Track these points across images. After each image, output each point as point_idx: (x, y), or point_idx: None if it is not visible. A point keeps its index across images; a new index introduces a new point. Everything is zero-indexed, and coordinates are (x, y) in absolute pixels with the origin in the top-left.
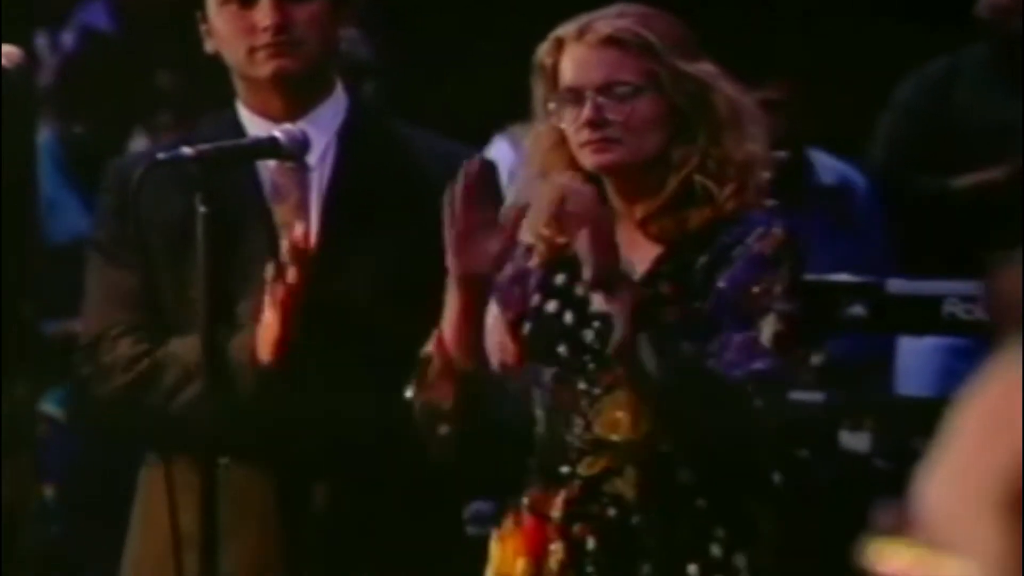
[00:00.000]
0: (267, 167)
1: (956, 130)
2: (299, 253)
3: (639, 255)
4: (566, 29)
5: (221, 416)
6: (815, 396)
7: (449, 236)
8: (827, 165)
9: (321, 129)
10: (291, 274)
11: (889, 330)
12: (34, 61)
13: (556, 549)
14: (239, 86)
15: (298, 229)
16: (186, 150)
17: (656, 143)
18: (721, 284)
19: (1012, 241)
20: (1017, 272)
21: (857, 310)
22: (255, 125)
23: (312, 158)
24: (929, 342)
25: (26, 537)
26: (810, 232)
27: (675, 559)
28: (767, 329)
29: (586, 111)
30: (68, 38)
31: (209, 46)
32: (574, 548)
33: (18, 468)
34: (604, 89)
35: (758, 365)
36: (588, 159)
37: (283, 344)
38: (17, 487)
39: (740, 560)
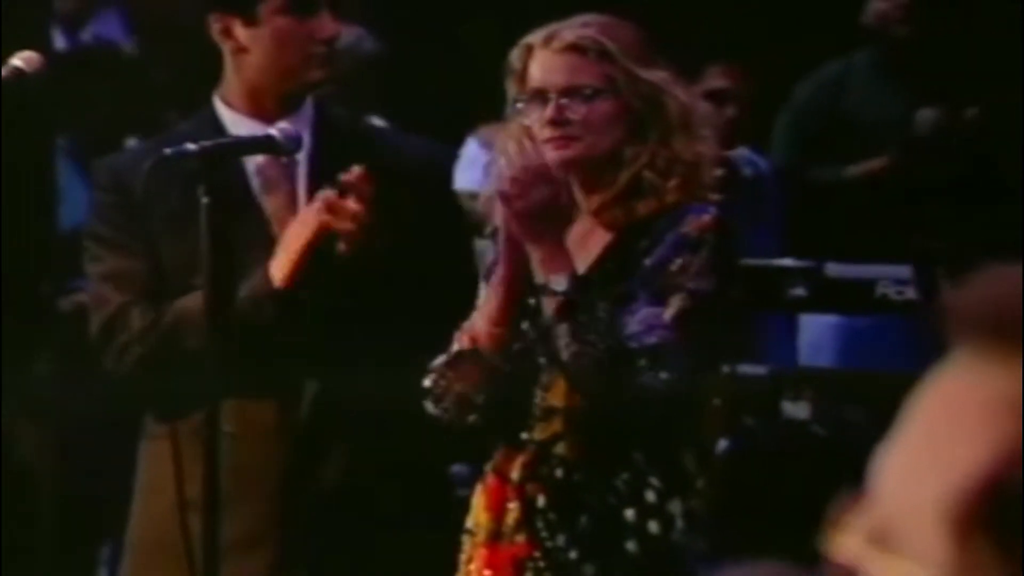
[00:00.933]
0: (254, 161)
1: (848, 125)
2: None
3: (593, 241)
4: (535, 36)
5: (228, 379)
6: (759, 369)
7: (504, 242)
8: (744, 158)
9: (300, 127)
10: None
11: (827, 310)
12: (52, 63)
13: (513, 507)
14: (233, 87)
15: (354, 172)
16: (191, 146)
17: (612, 141)
18: (647, 262)
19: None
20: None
21: (798, 291)
22: (238, 124)
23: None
24: (824, 319)
25: (46, 502)
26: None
27: (613, 507)
28: (673, 306)
29: (549, 110)
30: (81, 42)
31: (230, 47)
32: (527, 506)
33: (39, 436)
34: (566, 91)
35: (653, 338)
36: (550, 154)
37: (297, 270)
38: (39, 454)
39: (675, 506)
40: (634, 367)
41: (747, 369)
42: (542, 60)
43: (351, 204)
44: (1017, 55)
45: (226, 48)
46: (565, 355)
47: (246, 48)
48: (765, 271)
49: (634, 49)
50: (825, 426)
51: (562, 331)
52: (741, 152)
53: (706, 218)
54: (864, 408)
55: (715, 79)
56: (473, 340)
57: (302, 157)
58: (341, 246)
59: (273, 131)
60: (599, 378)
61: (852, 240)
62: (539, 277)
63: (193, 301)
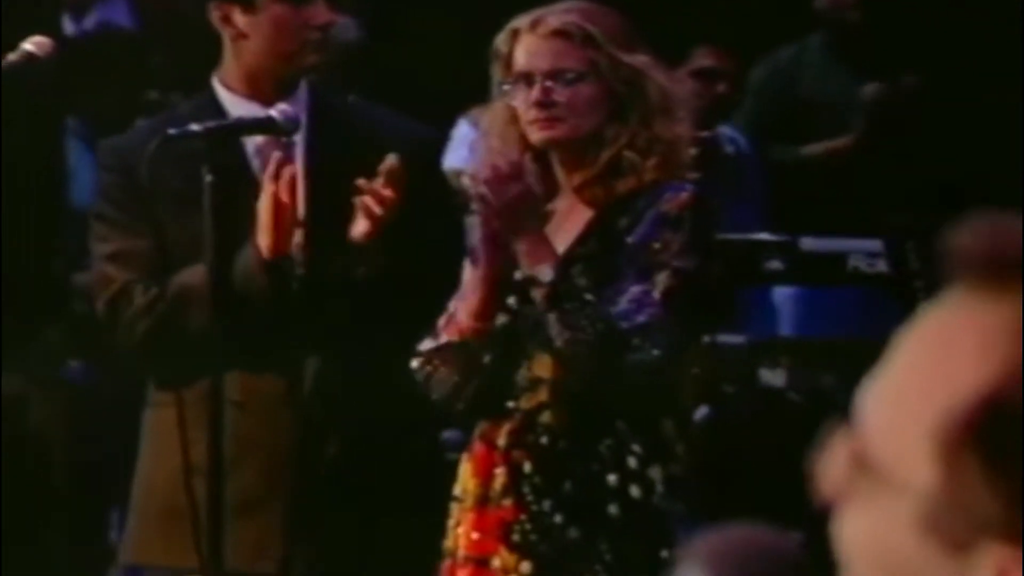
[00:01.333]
0: (254, 142)
1: (803, 106)
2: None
3: (575, 218)
4: (521, 21)
5: (232, 351)
6: (737, 338)
7: (483, 241)
8: (725, 135)
9: (297, 109)
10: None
11: (802, 282)
12: (62, 47)
13: (500, 472)
14: (232, 71)
15: (390, 161)
16: (195, 127)
17: (594, 122)
18: (630, 240)
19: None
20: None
21: (775, 264)
22: (236, 105)
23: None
24: (800, 291)
25: (56, 467)
26: (719, 198)
27: (596, 473)
28: (660, 284)
29: (535, 92)
30: (86, 26)
31: (229, 33)
32: (514, 472)
33: (51, 404)
34: (551, 74)
35: (643, 317)
36: (536, 135)
37: (283, 239)
38: (51, 424)
39: (655, 471)
40: (627, 345)
41: (726, 339)
42: (528, 44)
43: (386, 191)
44: (962, 39)
45: (226, 34)
46: (559, 342)
47: (245, 34)
48: (743, 245)
49: (617, 35)
50: (800, 393)
51: (552, 319)
52: (723, 130)
53: (684, 196)
54: (837, 375)
55: (702, 59)
56: (458, 332)
57: (299, 138)
58: (365, 227)
59: (274, 112)
60: (593, 361)
61: (826, 215)
62: (525, 268)
63: (193, 276)
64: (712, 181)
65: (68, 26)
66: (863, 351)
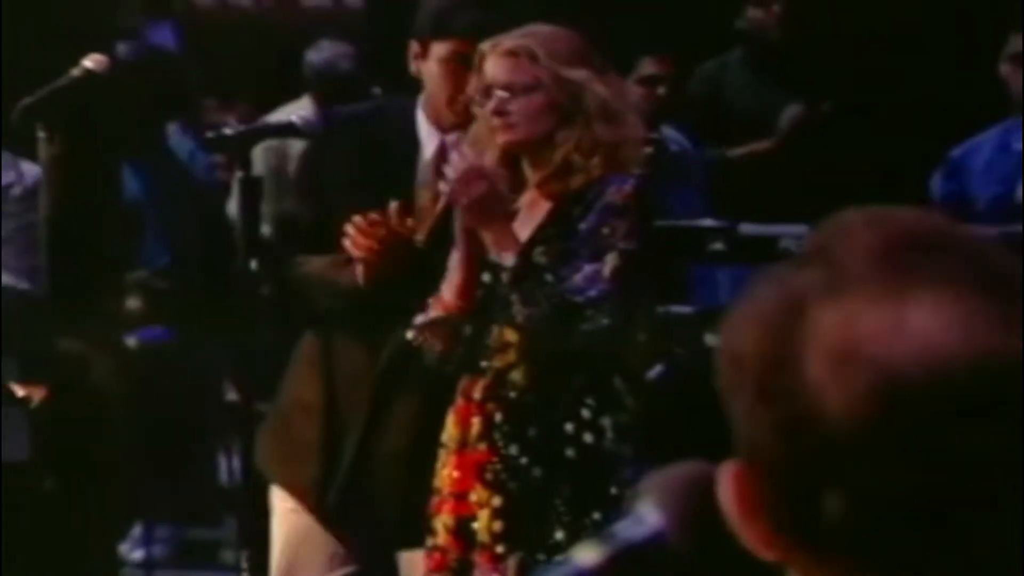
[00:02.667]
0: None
1: (727, 112)
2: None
3: (537, 209)
4: (488, 43)
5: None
6: (686, 308)
7: (459, 232)
8: (671, 136)
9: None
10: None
11: (740, 261)
12: (115, 65)
13: (476, 421)
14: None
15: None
16: (227, 130)
17: (545, 127)
18: (582, 227)
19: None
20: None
21: (717, 247)
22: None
23: None
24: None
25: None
26: (664, 189)
27: (556, 422)
28: (609, 263)
29: (493, 103)
30: (133, 49)
31: None
32: (487, 421)
33: (113, 362)
34: (506, 87)
35: (594, 292)
36: (498, 137)
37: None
38: (112, 380)
39: (606, 421)
40: (581, 316)
41: (677, 309)
42: (489, 63)
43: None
44: (874, 57)
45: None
46: (519, 318)
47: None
48: (690, 230)
49: (561, 53)
50: None
51: (515, 299)
52: (668, 131)
53: (627, 187)
54: None
55: (647, 67)
56: (444, 308)
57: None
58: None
59: (294, 118)
60: (550, 332)
61: (761, 204)
62: (492, 255)
63: (316, 265)
64: (658, 175)
65: (121, 48)
66: None
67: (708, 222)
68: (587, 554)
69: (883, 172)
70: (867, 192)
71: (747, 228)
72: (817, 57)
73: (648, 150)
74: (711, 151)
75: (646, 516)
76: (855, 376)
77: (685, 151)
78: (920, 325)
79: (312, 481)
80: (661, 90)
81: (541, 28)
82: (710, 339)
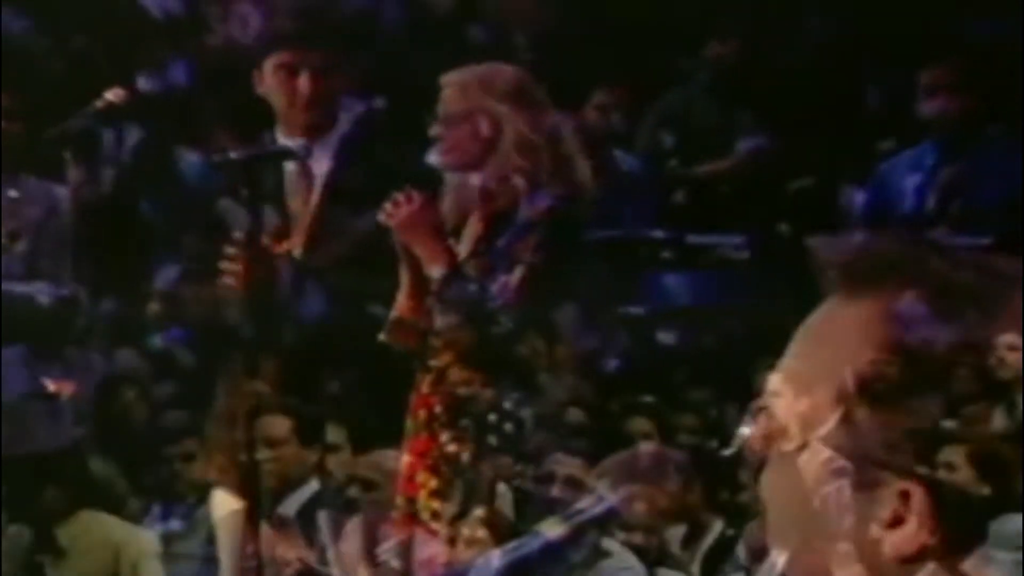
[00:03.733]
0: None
1: (689, 131)
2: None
3: (473, 230)
4: (445, 77)
5: None
6: (640, 308)
7: (399, 246)
8: (621, 157)
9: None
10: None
11: (686, 268)
12: (135, 98)
13: (421, 413)
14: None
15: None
16: (233, 154)
17: (472, 153)
18: (500, 243)
19: None
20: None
21: (666, 254)
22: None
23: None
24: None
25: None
26: (618, 204)
27: (482, 413)
28: (516, 274)
29: (435, 128)
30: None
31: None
32: (430, 412)
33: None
34: (445, 117)
35: (501, 300)
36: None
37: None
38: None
39: (525, 412)
40: (493, 321)
41: (632, 309)
42: (442, 95)
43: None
44: (824, 84)
45: None
46: (440, 324)
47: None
48: (642, 239)
49: (492, 89)
50: (687, 346)
51: (438, 308)
52: (618, 153)
53: (542, 206)
54: (714, 331)
55: (601, 96)
56: (399, 310)
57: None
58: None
59: (291, 143)
60: (470, 332)
61: (704, 217)
62: (425, 269)
63: None
64: (611, 193)
65: (142, 82)
66: (731, 313)
67: (658, 233)
68: (554, 529)
69: (807, 192)
70: (796, 208)
71: (693, 237)
72: (771, 84)
73: (585, 171)
74: (674, 168)
75: (603, 495)
76: None
77: (636, 171)
78: None
79: None
80: (615, 118)
81: (489, 65)
82: (661, 335)
